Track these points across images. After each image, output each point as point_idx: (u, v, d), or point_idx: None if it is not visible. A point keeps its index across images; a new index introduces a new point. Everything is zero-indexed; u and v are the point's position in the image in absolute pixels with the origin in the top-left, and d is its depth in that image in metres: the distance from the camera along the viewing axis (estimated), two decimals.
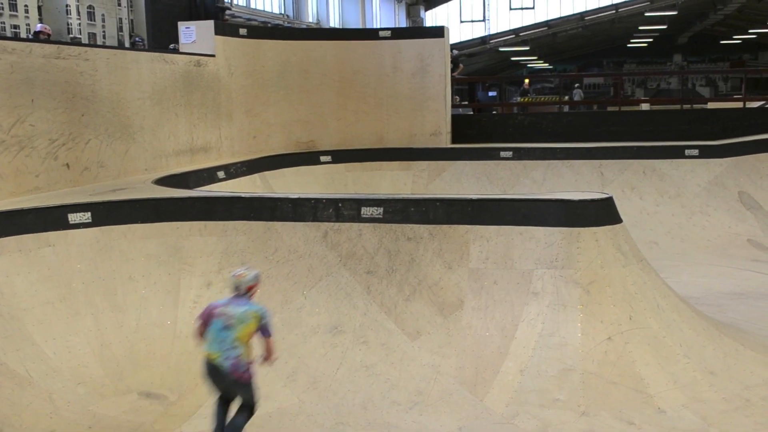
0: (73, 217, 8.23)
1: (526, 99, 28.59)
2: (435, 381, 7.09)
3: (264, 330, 5.98)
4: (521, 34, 48.33)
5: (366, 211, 8.25)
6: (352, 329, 7.71)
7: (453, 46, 20.95)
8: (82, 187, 9.76)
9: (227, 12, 26.17)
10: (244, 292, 6.06)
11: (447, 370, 7.19)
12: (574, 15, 47.77)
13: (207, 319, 5.97)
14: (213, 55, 13.05)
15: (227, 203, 8.77)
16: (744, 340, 7.74)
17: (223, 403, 6.05)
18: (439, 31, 15.71)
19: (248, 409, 6.04)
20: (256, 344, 6.02)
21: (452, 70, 16.91)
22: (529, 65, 64.90)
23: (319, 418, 6.89)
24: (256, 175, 13.15)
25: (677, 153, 13.94)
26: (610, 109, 22.50)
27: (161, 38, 20.08)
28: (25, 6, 18.82)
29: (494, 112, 21.45)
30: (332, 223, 8.30)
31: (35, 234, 7.92)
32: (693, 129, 15.72)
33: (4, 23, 18.11)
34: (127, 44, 20.44)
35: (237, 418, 6.00)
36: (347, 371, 7.37)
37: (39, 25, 16.50)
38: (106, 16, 20.87)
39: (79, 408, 6.95)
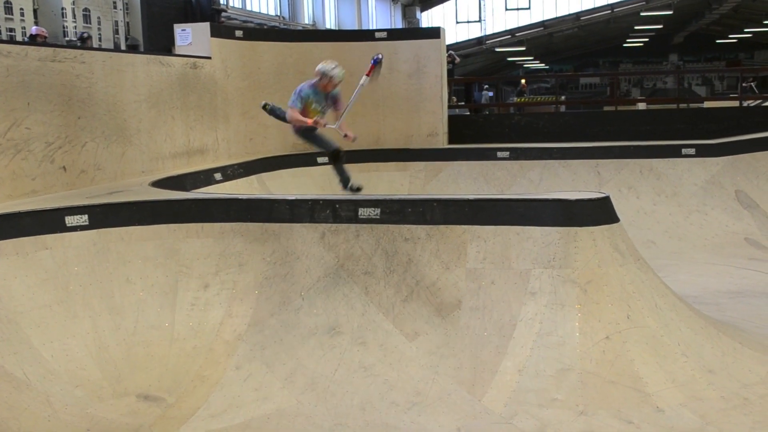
0: (70, 220, 8.22)
1: (523, 99, 28.61)
2: (433, 381, 7.09)
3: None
4: (517, 34, 48.44)
5: (363, 212, 8.25)
6: (350, 330, 7.71)
7: (449, 48, 21.03)
8: (78, 190, 9.76)
9: (223, 14, 26.20)
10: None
11: (445, 371, 7.19)
12: (569, 15, 47.90)
13: None
14: (209, 57, 13.05)
15: (224, 205, 8.76)
16: (742, 338, 7.75)
17: None
18: (435, 32, 15.71)
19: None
20: None
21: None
22: (525, 65, 64.99)
23: (317, 419, 6.89)
24: (253, 176, 13.15)
25: (674, 152, 13.94)
26: (606, 108, 22.53)
27: (157, 40, 20.08)
28: (21, 9, 18.81)
29: (487, 113, 21.48)
30: (330, 225, 8.30)
31: (32, 237, 7.91)
32: (689, 128, 15.76)
33: None
34: (123, 47, 20.42)
35: None
36: (345, 372, 7.36)
37: (35, 27, 16.52)
38: (102, 18, 20.86)
39: (77, 411, 6.94)
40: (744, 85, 25.66)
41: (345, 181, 8.18)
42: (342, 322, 7.77)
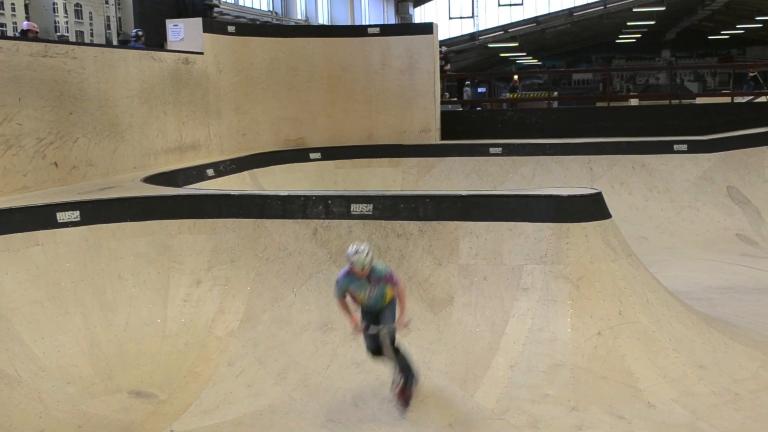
0: (62, 216, 8.20)
1: (515, 95, 28.56)
2: (425, 377, 7.09)
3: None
4: (510, 30, 48.37)
5: (356, 208, 8.25)
6: (342, 326, 7.69)
7: (442, 43, 20.97)
8: (70, 186, 9.72)
9: (215, 9, 26.06)
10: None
11: (437, 366, 7.20)
12: (562, 11, 47.86)
13: None
14: (201, 53, 13.02)
15: (216, 201, 8.75)
16: (733, 334, 7.77)
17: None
18: (427, 28, 15.70)
19: None
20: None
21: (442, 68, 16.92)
22: (518, 61, 64.94)
23: (309, 415, 6.89)
24: (245, 172, 13.13)
25: (666, 148, 13.98)
26: (599, 104, 22.50)
27: (149, 36, 20.00)
28: (12, 4, 18.73)
29: (479, 108, 21.42)
30: (322, 220, 8.29)
31: (23, 233, 7.89)
32: (681, 124, 15.76)
33: None
34: (115, 42, 20.34)
35: None
36: (338, 368, 7.36)
37: (26, 23, 16.41)
38: (94, 14, 20.80)
39: (68, 407, 6.93)
40: (750, 74, 25.62)
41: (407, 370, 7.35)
42: (334, 318, 7.76)
